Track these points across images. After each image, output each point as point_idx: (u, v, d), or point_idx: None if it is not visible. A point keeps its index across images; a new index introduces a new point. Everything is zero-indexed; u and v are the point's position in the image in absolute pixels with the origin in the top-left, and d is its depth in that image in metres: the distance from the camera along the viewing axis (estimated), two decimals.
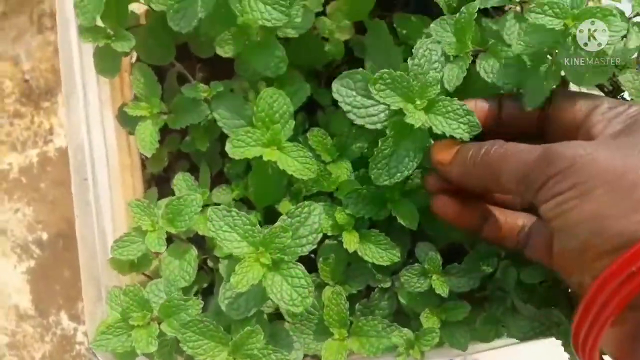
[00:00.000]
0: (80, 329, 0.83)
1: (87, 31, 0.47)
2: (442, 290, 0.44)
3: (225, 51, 0.46)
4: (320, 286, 0.48)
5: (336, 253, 0.47)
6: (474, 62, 0.41)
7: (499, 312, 0.44)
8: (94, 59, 0.50)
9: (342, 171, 0.50)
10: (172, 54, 0.52)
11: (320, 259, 0.48)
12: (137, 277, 0.51)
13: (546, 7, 0.35)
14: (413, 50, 0.40)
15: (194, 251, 0.47)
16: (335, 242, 0.48)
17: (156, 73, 0.52)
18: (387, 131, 0.40)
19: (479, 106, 0.41)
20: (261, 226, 0.50)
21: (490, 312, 0.45)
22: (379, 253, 0.46)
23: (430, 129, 0.40)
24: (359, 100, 0.41)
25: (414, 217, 0.45)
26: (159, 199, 0.55)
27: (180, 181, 0.51)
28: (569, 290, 0.44)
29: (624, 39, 0.39)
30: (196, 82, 0.51)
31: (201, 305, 0.43)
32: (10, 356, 0.82)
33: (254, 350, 0.40)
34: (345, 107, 0.41)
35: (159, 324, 0.43)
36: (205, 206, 0.50)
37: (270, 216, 0.51)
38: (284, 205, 0.51)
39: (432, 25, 0.42)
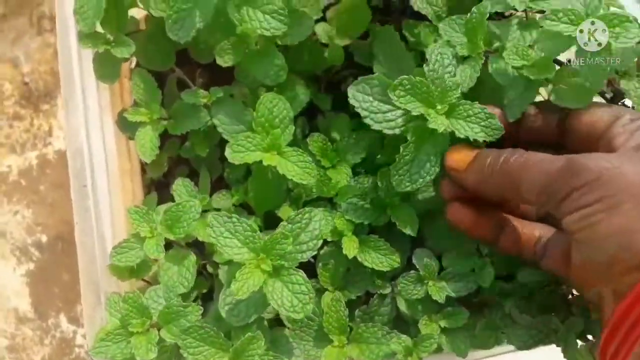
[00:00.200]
0: (80, 332, 0.83)
1: (86, 37, 0.47)
2: (438, 296, 0.44)
3: (225, 60, 0.46)
4: (320, 292, 0.48)
5: (336, 259, 0.48)
6: (485, 63, 0.41)
7: (498, 317, 0.44)
8: (93, 64, 0.50)
9: (342, 176, 0.50)
10: (172, 60, 0.52)
11: (320, 264, 0.48)
12: (136, 283, 0.51)
13: (561, 14, 0.35)
14: (427, 56, 0.40)
15: (192, 257, 0.47)
16: (334, 247, 0.48)
17: (156, 78, 0.52)
18: (408, 137, 0.40)
19: (497, 114, 0.40)
20: (261, 231, 0.50)
21: (490, 318, 0.45)
22: (379, 259, 0.46)
23: (452, 133, 0.39)
24: (375, 105, 0.41)
25: (414, 223, 0.45)
26: (159, 204, 0.55)
27: (180, 187, 0.51)
28: (569, 296, 0.45)
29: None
30: (196, 87, 0.51)
31: (201, 312, 0.43)
32: (10, 359, 0.82)
33: (255, 356, 0.40)
34: (363, 113, 0.41)
35: (159, 330, 0.43)
36: (205, 211, 0.51)
37: (270, 221, 0.51)
38: (284, 211, 0.51)
39: (440, 25, 0.42)
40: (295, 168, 0.45)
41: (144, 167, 0.58)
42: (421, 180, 0.41)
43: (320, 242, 0.41)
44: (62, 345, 0.83)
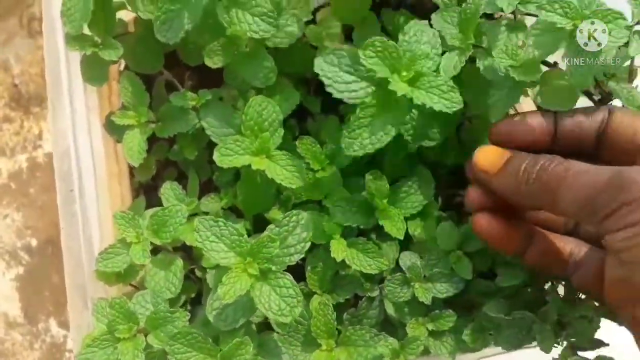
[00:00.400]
0: (70, 336, 0.82)
1: (74, 39, 0.47)
2: (425, 297, 0.44)
3: (214, 62, 0.46)
4: (308, 295, 0.48)
5: (324, 261, 0.47)
6: (472, 61, 0.40)
7: (484, 319, 0.44)
8: (81, 67, 0.49)
9: (331, 179, 0.50)
10: (160, 62, 0.52)
11: (309, 267, 0.48)
12: (124, 288, 0.51)
13: (557, 6, 0.35)
14: (405, 27, 0.40)
15: (179, 262, 0.47)
16: (323, 250, 0.48)
17: (144, 81, 0.51)
18: (368, 100, 0.40)
19: (534, 120, 0.38)
20: (251, 234, 0.50)
21: (478, 320, 0.44)
22: (367, 261, 0.46)
23: (412, 102, 0.39)
24: (340, 75, 0.40)
25: (401, 226, 0.45)
26: (148, 207, 0.54)
27: (168, 190, 0.51)
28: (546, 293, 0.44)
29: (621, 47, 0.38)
30: (185, 90, 0.50)
31: (188, 317, 0.43)
32: None
33: None
34: (327, 81, 0.40)
35: (146, 336, 0.42)
36: (194, 215, 0.50)
37: (259, 224, 0.51)
38: (274, 213, 0.50)
39: (432, 15, 0.41)
40: (284, 172, 0.45)
41: (132, 170, 0.58)
42: (371, 146, 0.40)
43: (308, 244, 0.41)
44: (52, 350, 0.82)
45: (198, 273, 0.51)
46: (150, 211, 0.47)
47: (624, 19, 0.35)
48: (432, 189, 0.48)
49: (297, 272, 0.44)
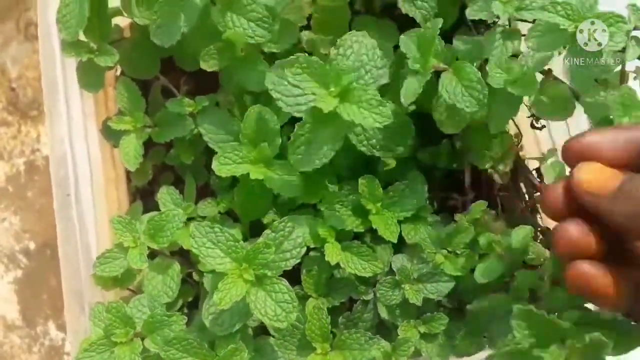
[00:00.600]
0: (68, 340, 0.82)
1: (69, 46, 0.47)
2: (415, 299, 0.44)
3: (209, 65, 0.46)
4: (304, 298, 0.48)
5: (319, 265, 0.48)
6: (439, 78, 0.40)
7: (473, 319, 0.44)
8: (77, 73, 0.49)
9: (326, 183, 0.50)
10: (156, 68, 0.52)
11: (304, 271, 0.48)
12: (121, 292, 0.51)
13: (559, 8, 0.36)
14: (339, 40, 0.40)
15: (177, 266, 0.47)
16: (318, 254, 0.48)
17: (140, 86, 0.52)
18: (304, 117, 0.40)
19: (634, 136, 0.30)
20: (247, 238, 0.51)
21: (468, 322, 0.45)
22: (361, 264, 0.46)
23: (347, 119, 0.38)
24: (289, 89, 0.41)
25: (395, 229, 0.45)
26: (145, 211, 0.55)
27: (165, 195, 0.51)
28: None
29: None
30: (181, 96, 0.51)
31: (185, 321, 0.43)
32: None
33: None
34: (276, 95, 0.41)
35: (143, 340, 0.43)
36: (191, 219, 0.51)
37: (256, 229, 0.51)
38: (270, 218, 0.51)
39: (401, 37, 0.41)
40: (281, 182, 0.45)
41: (129, 175, 0.58)
42: (317, 162, 0.41)
43: (304, 249, 0.41)
44: (50, 353, 0.82)
45: (195, 277, 0.51)
46: (147, 216, 0.47)
47: (625, 22, 0.35)
48: (425, 193, 0.48)
49: (293, 275, 0.45)
